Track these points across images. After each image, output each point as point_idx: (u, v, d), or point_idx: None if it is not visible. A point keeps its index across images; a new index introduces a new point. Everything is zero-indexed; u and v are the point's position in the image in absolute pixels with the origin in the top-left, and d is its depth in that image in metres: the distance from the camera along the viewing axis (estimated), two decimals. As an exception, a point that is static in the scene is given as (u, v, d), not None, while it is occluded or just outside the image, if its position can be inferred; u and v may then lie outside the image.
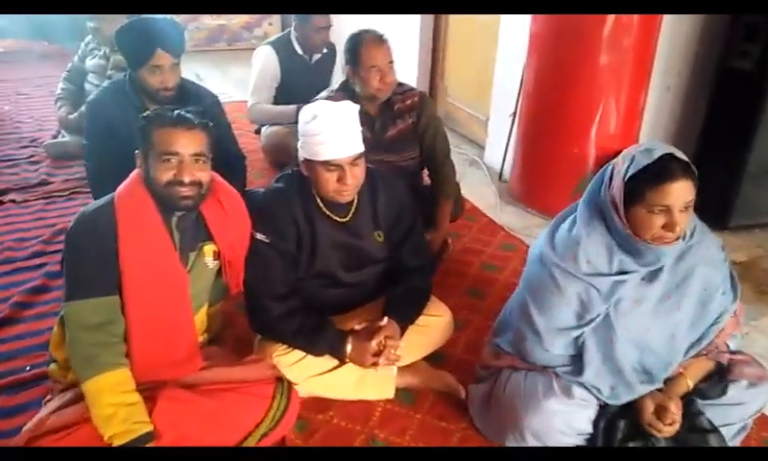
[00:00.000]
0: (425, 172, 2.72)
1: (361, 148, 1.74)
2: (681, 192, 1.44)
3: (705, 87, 3.12)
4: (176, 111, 1.57)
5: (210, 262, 1.70)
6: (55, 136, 3.89)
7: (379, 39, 2.35)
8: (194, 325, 1.69)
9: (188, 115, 1.57)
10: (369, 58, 2.32)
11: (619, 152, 3.03)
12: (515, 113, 3.39)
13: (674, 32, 3.08)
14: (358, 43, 2.34)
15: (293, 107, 3.40)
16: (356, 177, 1.75)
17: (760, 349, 2.16)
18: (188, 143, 1.54)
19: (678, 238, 1.50)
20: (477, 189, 3.44)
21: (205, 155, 1.58)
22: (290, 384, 1.70)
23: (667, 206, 1.44)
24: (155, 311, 1.58)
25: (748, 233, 3.03)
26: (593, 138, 2.98)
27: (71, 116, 3.63)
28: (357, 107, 1.76)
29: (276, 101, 3.51)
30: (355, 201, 1.85)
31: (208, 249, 1.69)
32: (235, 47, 6.57)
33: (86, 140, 2.45)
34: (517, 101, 3.34)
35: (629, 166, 1.49)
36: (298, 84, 3.41)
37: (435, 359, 2.04)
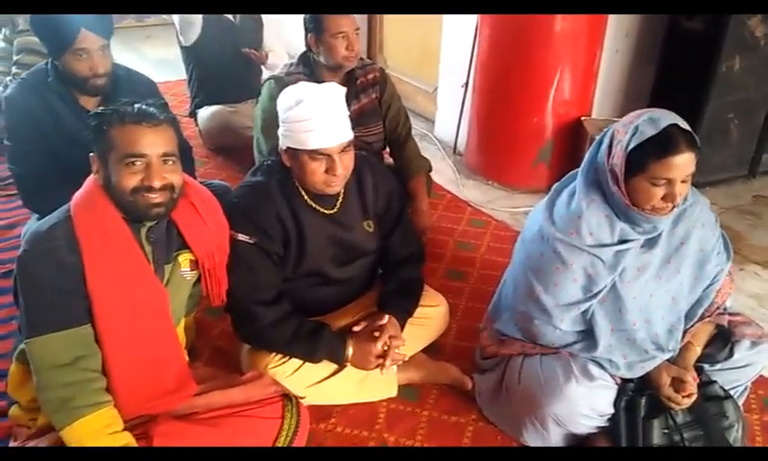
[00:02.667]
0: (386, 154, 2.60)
1: (350, 135, 1.60)
2: (684, 165, 1.41)
3: (654, 48, 3.16)
4: (136, 105, 1.36)
5: (188, 273, 1.52)
6: None
7: None
8: (180, 345, 1.51)
9: (152, 109, 1.36)
10: (335, 24, 2.18)
11: (578, 120, 3.06)
12: (467, 84, 3.31)
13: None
14: None
15: None
16: (346, 166, 1.61)
17: (741, 307, 2.21)
18: (156, 142, 1.34)
19: (674, 208, 1.48)
20: (433, 165, 3.33)
21: (176, 154, 1.39)
22: (297, 400, 1.55)
23: (670, 179, 1.41)
24: (135, 336, 1.39)
25: (701, 192, 3.09)
26: (550, 107, 2.96)
27: None
28: (344, 89, 1.61)
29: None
30: (342, 190, 1.71)
31: (184, 258, 1.51)
32: (145, 23, 5.95)
33: (9, 141, 2.14)
34: (469, 71, 3.26)
35: (632, 137, 1.44)
36: (222, 43, 3.22)
37: (428, 350, 1.95)
